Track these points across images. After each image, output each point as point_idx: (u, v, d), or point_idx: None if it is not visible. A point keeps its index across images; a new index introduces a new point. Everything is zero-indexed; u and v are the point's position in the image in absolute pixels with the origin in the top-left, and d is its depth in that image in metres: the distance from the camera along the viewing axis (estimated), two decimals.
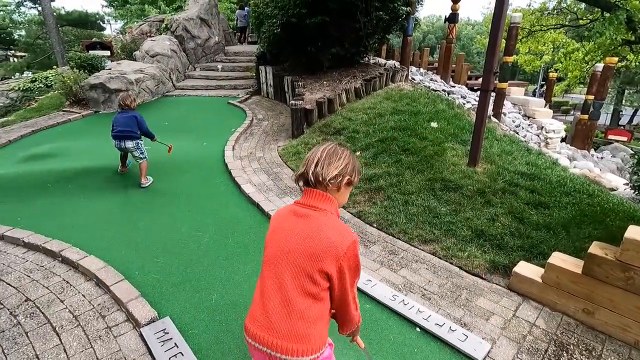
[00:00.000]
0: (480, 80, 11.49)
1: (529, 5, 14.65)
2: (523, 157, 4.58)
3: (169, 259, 3.05)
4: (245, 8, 14.74)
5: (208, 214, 3.83)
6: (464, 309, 2.53)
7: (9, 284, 2.67)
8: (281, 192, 4.33)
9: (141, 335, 2.24)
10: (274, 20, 7.65)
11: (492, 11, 3.81)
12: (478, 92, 9.43)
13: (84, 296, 2.58)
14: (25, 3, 24.98)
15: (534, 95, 19.69)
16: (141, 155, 4.49)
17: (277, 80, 8.95)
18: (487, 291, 2.73)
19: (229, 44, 14.26)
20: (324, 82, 7.62)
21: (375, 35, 7.89)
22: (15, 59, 25.46)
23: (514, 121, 8.46)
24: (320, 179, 1.23)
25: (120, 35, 12.23)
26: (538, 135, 8.75)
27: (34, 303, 2.50)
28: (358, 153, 4.85)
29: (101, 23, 25.67)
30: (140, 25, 12.76)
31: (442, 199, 3.81)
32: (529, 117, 9.63)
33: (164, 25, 11.70)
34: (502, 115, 7.92)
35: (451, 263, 3.07)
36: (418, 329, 2.33)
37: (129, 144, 4.39)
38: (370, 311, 2.49)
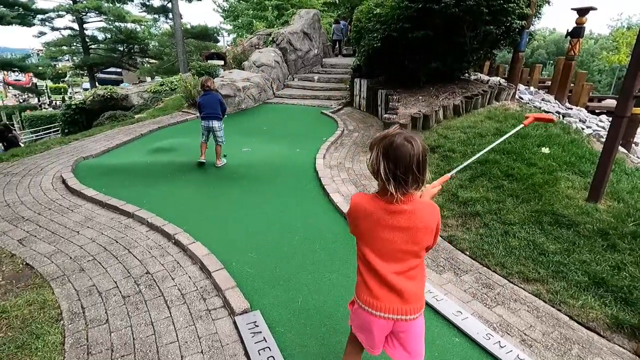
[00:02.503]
0: (604, 102, 9.98)
1: None
2: None
3: (261, 255, 3.27)
4: (341, 22, 15.51)
5: (298, 217, 4.01)
6: None
7: (135, 257, 3.15)
8: None
9: (235, 323, 2.43)
10: (375, 34, 7.74)
11: (636, 23, 3.27)
12: (601, 117, 8.19)
13: (190, 277, 2.91)
14: (160, 19, 29.74)
15: None
16: (221, 138, 5.32)
17: (370, 93, 9.02)
18: (607, 352, 2.32)
19: (327, 56, 14.88)
20: (420, 97, 7.44)
21: (480, 51, 7.44)
22: (148, 65, 30.34)
23: None
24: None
25: (234, 47, 13.67)
26: None
27: (152, 276, 2.90)
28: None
29: (217, 36, 29.14)
30: (250, 38, 14.10)
31: (551, 235, 3.38)
32: None
33: (270, 39, 12.74)
34: (633, 145, 6.74)
35: (559, 310, 2.69)
36: None
37: (215, 124, 5.23)
38: (460, 346, 2.32)
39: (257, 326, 2.37)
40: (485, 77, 8.75)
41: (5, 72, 28.47)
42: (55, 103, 30.98)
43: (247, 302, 2.57)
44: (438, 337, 2.38)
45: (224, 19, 26.16)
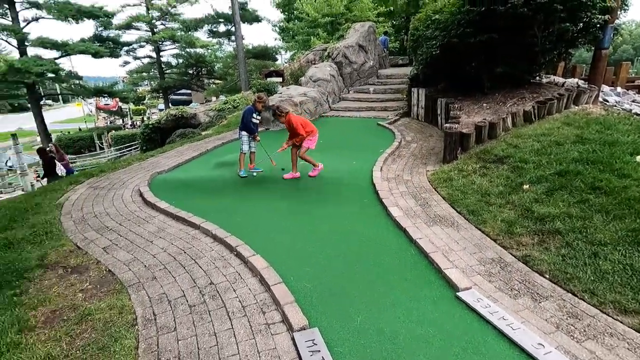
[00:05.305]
0: None
1: None
2: None
3: (318, 270, 3.23)
4: (382, 36, 16.33)
5: (355, 231, 3.92)
6: None
7: (200, 267, 3.31)
8: (430, 220, 4.09)
9: (293, 340, 2.40)
10: (434, 42, 7.49)
11: None
12: None
13: (250, 290, 2.97)
14: (224, 42, 32.19)
15: None
16: (241, 146, 5.81)
17: (429, 102, 8.70)
18: None
19: (382, 68, 14.75)
20: (484, 105, 6.97)
21: (554, 51, 6.80)
22: (214, 85, 32.82)
23: None
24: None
25: (291, 64, 14.21)
26: None
27: (216, 287, 3.01)
28: (526, 186, 4.18)
29: (275, 54, 30.62)
30: (307, 54, 14.53)
31: None
32: None
33: (326, 54, 13.00)
34: None
35: None
36: None
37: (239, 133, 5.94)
38: None
39: (315, 344, 2.32)
40: (560, 80, 7.95)
41: (97, 98, 32.70)
42: (135, 123, 34.77)
43: (306, 319, 2.54)
44: None
45: (282, 40, 27.48)
